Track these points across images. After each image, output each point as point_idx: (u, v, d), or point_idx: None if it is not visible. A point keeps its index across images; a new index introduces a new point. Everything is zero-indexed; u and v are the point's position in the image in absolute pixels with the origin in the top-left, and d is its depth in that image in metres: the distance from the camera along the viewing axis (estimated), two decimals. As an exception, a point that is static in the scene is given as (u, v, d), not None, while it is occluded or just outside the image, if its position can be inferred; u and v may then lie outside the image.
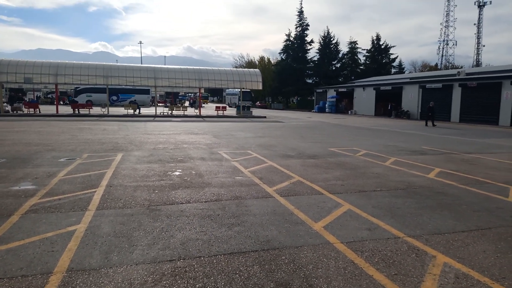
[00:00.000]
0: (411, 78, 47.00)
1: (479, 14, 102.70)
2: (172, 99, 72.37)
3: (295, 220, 5.32)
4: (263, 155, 11.24)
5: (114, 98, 56.93)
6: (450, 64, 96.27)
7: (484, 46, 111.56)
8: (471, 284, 3.53)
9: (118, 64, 37.54)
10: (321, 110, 52.94)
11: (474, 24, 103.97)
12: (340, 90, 52.79)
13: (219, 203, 6.11)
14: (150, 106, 56.29)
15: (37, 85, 51.11)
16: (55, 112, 32.83)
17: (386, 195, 6.82)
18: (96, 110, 37.34)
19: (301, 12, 68.90)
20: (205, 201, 6.19)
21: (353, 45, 70.01)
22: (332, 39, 69.78)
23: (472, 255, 4.22)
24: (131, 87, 53.17)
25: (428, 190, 7.27)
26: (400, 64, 73.14)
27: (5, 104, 35.30)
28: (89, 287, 3.35)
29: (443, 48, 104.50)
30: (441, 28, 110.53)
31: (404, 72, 71.62)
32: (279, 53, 71.67)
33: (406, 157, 11.46)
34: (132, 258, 3.97)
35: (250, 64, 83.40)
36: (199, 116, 34.94)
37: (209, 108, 51.76)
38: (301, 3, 69.65)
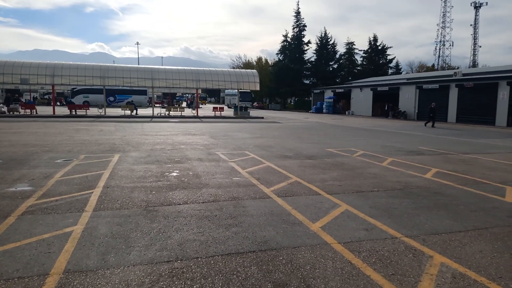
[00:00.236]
0: (408, 79, 47.18)
1: (475, 15, 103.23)
2: (170, 100, 72.26)
3: (292, 220, 5.32)
4: (261, 156, 11.24)
5: (111, 99, 56.80)
6: (446, 65, 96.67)
7: (480, 46, 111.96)
8: (468, 284, 3.55)
9: (115, 64, 37.46)
10: (319, 110, 53.01)
11: (471, 25, 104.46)
12: (337, 90, 52.91)
13: (217, 204, 6.11)
14: (148, 107, 56.24)
15: (34, 86, 50.93)
16: (52, 113, 32.70)
17: (383, 196, 6.83)
18: (93, 111, 37.22)
19: (298, 13, 69.06)
20: (203, 202, 6.18)
21: (350, 46, 70.22)
22: (329, 40, 69.99)
23: (469, 255, 4.24)
24: (128, 88, 53.09)
25: (425, 191, 7.29)
26: (397, 65, 73.47)
27: (1, 105, 35.14)
28: (86, 289, 3.34)
29: (439, 49, 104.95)
30: (438, 29, 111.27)
31: (401, 73, 71.91)
32: (277, 54, 71.85)
33: (403, 158, 11.49)
34: (129, 259, 3.96)
35: (247, 65, 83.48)
36: (197, 117, 34.91)
37: (207, 109, 51.74)
38: (298, 4, 69.81)
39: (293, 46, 68.58)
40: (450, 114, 33.75)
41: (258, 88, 39.04)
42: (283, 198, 6.52)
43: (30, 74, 31.45)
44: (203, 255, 4.10)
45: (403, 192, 7.16)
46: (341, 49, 78.09)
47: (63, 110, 38.02)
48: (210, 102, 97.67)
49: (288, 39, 69.27)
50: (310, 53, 71.91)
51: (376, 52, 69.04)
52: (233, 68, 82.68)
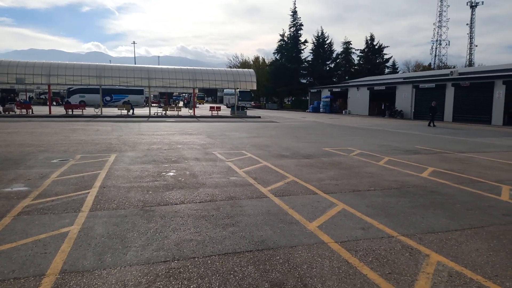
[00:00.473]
0: (404, 78, 47.29)
1: (472, 14, 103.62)
2: (166, 99, 72.11)
3: (289, 220, 5.32)
4: (258, 155, 11.24)
5: (108, 98, 56.57)
6: (443, 64, 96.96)
7: (476, 46, 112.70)
8: (464, 282, 3.56)
9: (112, 64, 37.32)
10: (316, 110, 53.06)
11: (467, 24, 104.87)
12: (334, 90, 52.96)
13: (214, 203, 6.10)
14: (144, 106, 56.04)
15: (30, 86, 50.66)
16: (48, 113, 32.55)
17: (380, 195, 6.85)
18: (89, 110, 37.09)
19: (294, 12, 69.01)
20: (200, 202, 6.17)
21: (347, 45, 70.28)
22: (326, 39, 69.98)
23: (465, 254, 4.25)
24: (125, 88, 52.90)
25: (421, 189, 7.32)
26: (393, 64, 73.60)
27: (-4, 105, 34.95)
28: (82, 289, 3.32)
29: (436, 48, 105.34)
30: (434, 28, 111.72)
31: (397, 72, 72.01)
32: (273, 53, 71.74)
33: (400, 157, 11.52)
34: (126, 259, 3.95)
35: (244, 64, 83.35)
36: (193, 116, 34.85)
37: (204, 109, 51.69)
38: (294, 3, 69.75)
39: (290, 45, 68.54)
40: (447, 113, 33.87)
41: (255, 88, 39.03)
42: (280, 197, 6.52)
43: (25, 73, 31.28)
44: (200, 255, 4.09)
45: (399, 191, 7.18)
46: (338, 48, 78.31)
47: (59, 110, 37.84)
48: (207, 102, 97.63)
49: (285, 39, 69.23)
50: (307, 53, 71.97)
51: (373, 51, 69.14)
52: (230, 67, 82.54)
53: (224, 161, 10.24)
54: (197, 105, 58.44)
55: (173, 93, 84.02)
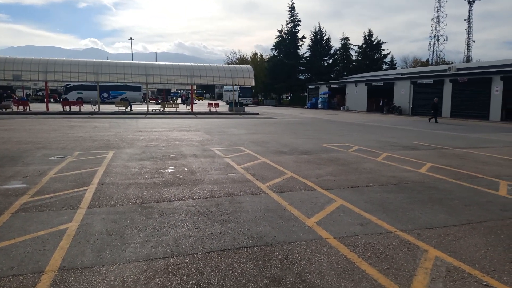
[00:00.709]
0: (402, 74, 47.31)
1: (469, 10, 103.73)
2: (164, 96, 71.92)
3: (288, 216, 5.33)
4: (256, 152, 11.24)
5: (105, 95, 56.35)
6: (441, 60, 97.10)
7: (474, 41, 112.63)
8: (462, 277, 3.58)
9: (109, 60, 37.19)
10: (314, 106, 53.01)
11: (465, 20, 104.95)
12: (332, 86, 52.92)
13: (212, 200, 6.10)
14: (142, 103, 55.89)
15: (26, 83, 50.45)
16: (46, 109, 32.43)
17: (378, 190, 6.86)
18: (87, 107, 36.97)
19: (292, 8, 68.77)
20: (198, 198, 6.17)
21: (345, 41, 70.20)
22: (323, 35, 69.86)
23: (463, 249, 4.27)
24: (122, 84, 52.64)
25: (419, 185, 7.34)
26: (391, 60, 73.57)
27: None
28: (81, 286, 3.32)
29: (434, 44, 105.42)
30: (432, 24, 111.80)
31: (395, 68, 72.04)
32: (271, 49, 71.64)
33: (398, 152, 11.54)
34: (125, 256, 3.95)
35: (242, 60, 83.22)
36: (191, 113, 34.79)
37: (202, 105, 51.56)
38: (292, -1, 69.59)
39: (287, 42, 68.42)
40: (445, 109, 33.91)
41: (253, 84, 38.98)
42: (279, 193, 6.53)
43: (22, 70, 31.13)
44: (199, 251, 4.09)
45: (398, 186, 7.20)
46: (336, 44, 78.26)
47: (57, 107, 37.72)
48: (206, 98, 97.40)
49: (283, 35, 69.08)
50: (304, 49, 71.82)
51: (371, 47, 69.08)
52: (228, 63, 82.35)
53: (223, 157, 10.23)
54: (196, 102, 58.36)
55: (170, 89, 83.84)
